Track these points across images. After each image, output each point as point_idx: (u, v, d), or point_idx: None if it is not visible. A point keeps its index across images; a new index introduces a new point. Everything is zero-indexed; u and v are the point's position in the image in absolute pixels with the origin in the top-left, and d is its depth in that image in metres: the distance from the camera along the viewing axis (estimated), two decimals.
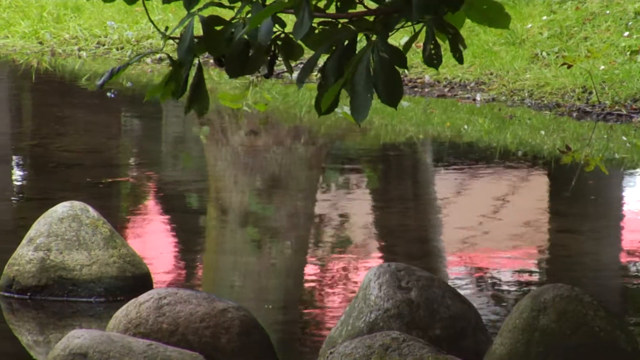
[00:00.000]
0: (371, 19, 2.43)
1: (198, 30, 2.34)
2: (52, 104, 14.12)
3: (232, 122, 12.34)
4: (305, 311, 5.97)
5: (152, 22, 2.73)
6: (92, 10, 17.48)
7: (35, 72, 15.65)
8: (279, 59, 2.56)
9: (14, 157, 10.80)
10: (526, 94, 13.24)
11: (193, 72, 2.45)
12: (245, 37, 2.35)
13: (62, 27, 17.53)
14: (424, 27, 2.27)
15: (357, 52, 2.32)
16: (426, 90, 14.03)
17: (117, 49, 16.83)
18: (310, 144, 11.98)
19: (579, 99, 12.81)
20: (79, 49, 16.93)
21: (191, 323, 4.23)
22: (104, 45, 16.99)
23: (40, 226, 5.52)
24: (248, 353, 4.15)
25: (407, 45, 2.50)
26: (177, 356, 3.63)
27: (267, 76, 2.65)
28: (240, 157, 11.36)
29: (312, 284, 6.66)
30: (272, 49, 2.50)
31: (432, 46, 2.28)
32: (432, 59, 2.31)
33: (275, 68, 2.63)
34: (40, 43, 17.19)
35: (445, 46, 2.39)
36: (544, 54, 14.15)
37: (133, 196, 9.45)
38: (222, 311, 4.23)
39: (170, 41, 2.51)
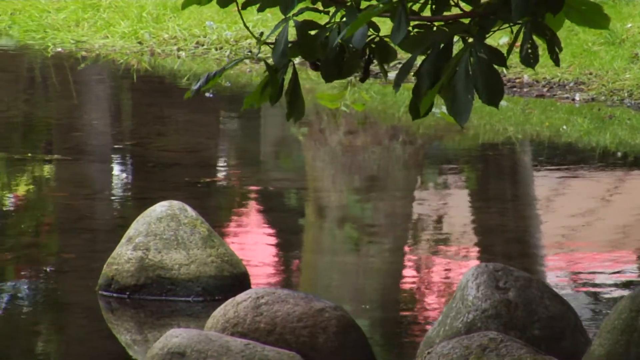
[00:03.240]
0: (467, 21, 2.40)
1: (293, 35, 2.35)
2: (151, 103, 14.37)
3: (331, 121, 12.36)
4: (403, 311, 5.93)
5: (246, 27, 2.72)
6: (191, 10, 17.63)
7: (135, 72, 15.94)
8: (374, 62, 2.56)
9: (113, 157, 11.03)
10: (626, 94, 12.92)
11: (289, 77, 2.45)
12: (340, 41, 2.35)
13: (162, 27, 17.78)
14: (522, 29, 2.24)
15: (453, 54, 2.29)
16: (525, 90, 13.82)
17: (216, 49, 16.99)
18: (408, 144, 11.91)
19: None
20: (178, 49, 17.14)
21: (288, 323, 4.23)
22: (202, 45, 17.15)
23: (139, 225, 5.60)
24: (345, 353, 4.14)
25: (509, 48, 2.46)
26: (275, 356, 3.63)
27: (363, 80, 2.64)
28: (339, 157, 11.36)
29: (410, 284, 6.62)
30: (367, 52, 2.49)
31: (529, 46, 2.24)
32: (529, 59, 2.27)
33: (371, 69, 2.62)
34: (140, 43, 17.44)
35: (543, 46, 2.35)
36: None
37: (231, 196, 9.54)
38: (320, 311, 4.23)
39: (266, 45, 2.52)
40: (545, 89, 13.78)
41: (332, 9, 2.41)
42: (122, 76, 16.02)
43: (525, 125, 12.77)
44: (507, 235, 7.85)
